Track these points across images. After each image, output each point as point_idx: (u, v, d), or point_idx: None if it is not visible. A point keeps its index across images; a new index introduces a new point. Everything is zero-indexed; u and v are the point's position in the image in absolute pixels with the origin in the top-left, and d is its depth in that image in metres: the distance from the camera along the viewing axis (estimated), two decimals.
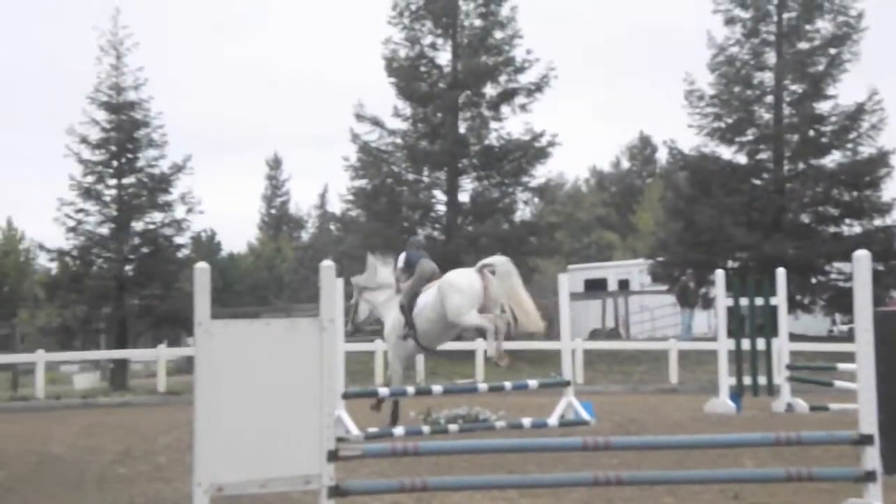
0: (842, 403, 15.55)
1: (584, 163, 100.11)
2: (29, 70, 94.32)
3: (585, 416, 13.65)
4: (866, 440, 7.21)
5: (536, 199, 38.35)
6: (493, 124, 35.99)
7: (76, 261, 32.87)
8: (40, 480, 10.25)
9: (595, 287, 39.64)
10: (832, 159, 34.83)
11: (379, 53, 36.32)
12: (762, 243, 32.09)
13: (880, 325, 7.80)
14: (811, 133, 34.71)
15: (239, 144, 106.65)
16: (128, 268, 32.62)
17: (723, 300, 16.60)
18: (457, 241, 34.30)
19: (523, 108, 35.64)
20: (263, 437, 6.82)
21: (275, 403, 6.88)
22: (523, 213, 37.30)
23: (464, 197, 35.98)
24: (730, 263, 32.53)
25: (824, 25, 35.06)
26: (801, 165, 35.01)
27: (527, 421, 13.14)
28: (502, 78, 35.75)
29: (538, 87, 35.44)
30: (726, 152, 35.64)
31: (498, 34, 35.99)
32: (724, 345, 16.35)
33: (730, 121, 35.19)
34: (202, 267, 6.96)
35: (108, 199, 32.48)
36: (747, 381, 16.24)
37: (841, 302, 32.41)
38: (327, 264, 7.35)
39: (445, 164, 35.41)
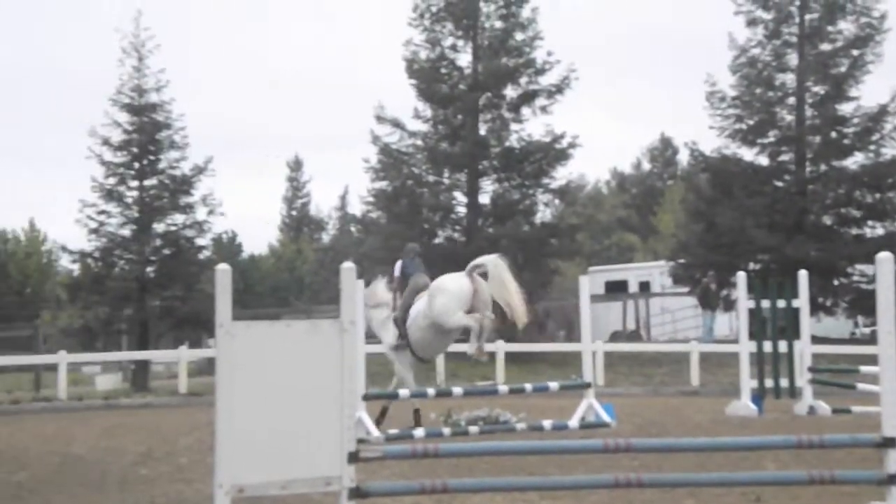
0: (864, 406, 15.46)
1: (605, 164, 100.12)
2: (52, 72, 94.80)
3: (606, 418, 13.63)
4: (889, 443, 7.16)
5: (557, 201, 38.25)
6: (514, 126, 35.97)
7: (98, 262, 32.99)
8: (62, 481, 10.29)
9: (616, 289, 39.55)
10: (854, 161, 34.72)
11: (399, 55, 36.39)
12: (784, 245, 31.97)
13: None
14: (833, 135, 34.58)
15: (260, 146, 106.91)
16: (149, 269, 32.71)
17: (744, 302, 16.54)
18: (477, 243, 34.23)
19: (544, 109, 35.62)
20: (284, 438, 6.82)
21: (295, 405, 6.88)
22: (544, 214, 37.26)
23: (484, 199, 35.97)
24: (751, 265, 32.42)
25: (847, 27, 34.95)
26: (823, 167, 34.88)
27: (547, 423, 13.13)
28: (523, 80, 35.72)
29: (559, 89, 35.40)
30: (748, 154, 35.58)
31: (519, 36, 35.96)
32: (746, 347, 16.30)
33: (751, 122, 35.09)
34: (223, 268, 6.97)
35: (129, 200, 32.59)
36: (769, 383, 16.18)
37: (863, 304, 32.25)
38: (348, 266, 7.35)
39: (466, 165, 35.40)
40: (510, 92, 35.80)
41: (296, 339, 7.03)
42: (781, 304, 16.23)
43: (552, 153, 35.28)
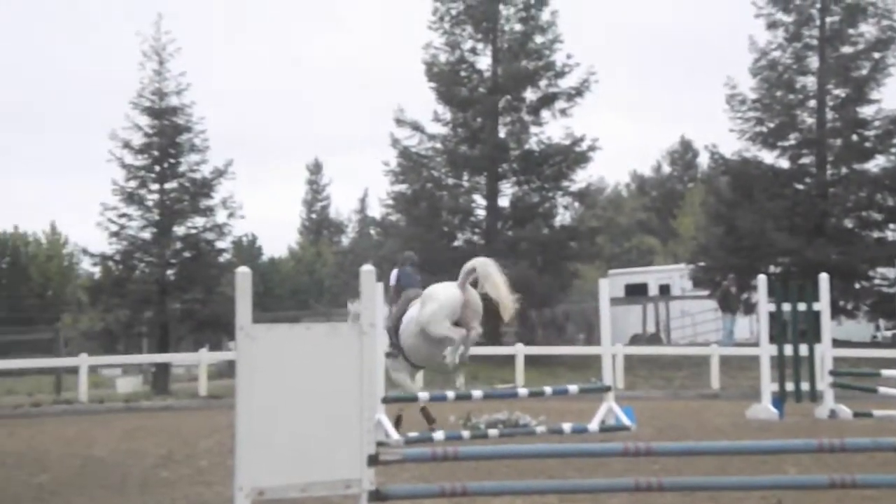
0: (886, 410, 15.40)
1: (625, 167, 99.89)
2: (74, 75, 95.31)
3: (626, 421, 13.59)
4: None
5: (577, 204, 38.24)
6: (534, 129, 35.97)
7: (119, 265, 33.08)
8: (83, 483, 10.32)
9: (636, 292, 39.47)
10: (876, 164, 34.61)
11: (419, 58, 36.43)
12: (805, 248, 31.86)
13: None
14: (854, 137, 34.47)
15: (280, 149, 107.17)
16: (170, 272, 32.77)
17: (765, 305, 16.47)
18: (496, 246, 34.22)
19: (563, 112, 35.61)
20: (304, 441, 6.83)
21: (315, 407, 6.89)
22: (563, 217, 37.29)
23: (504, 202, 35.97)
24: (772, 269, 32.32)
25: (868, 29, 34.83)
26: (844, 170, 34.75)
27: (567, 426, 13.10)
28: (542, 82, 35.71)
29: (578, 92, 35.37)
30: (768, 157, 35.49)
31: (538, 39, 35.96)
32: (767, 350, 16.24)
33: (772, 125, 34.99)
34: (243, 271, 6.99)
35: (150, 203, 32.67)
36: (790, 386, 16.10)
37: (885, 307, 32.13)
38: (367, 269, 7.37)
39: (485, 168, 35.40)
40: (530, 95, 35.81)
41: (315, 341, 7.05)
42: (802, 307, 16.15)
43: (572, 156, 35.26)
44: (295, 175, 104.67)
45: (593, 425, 13.37)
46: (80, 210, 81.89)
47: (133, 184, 32.58)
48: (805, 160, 35.07)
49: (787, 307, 16.22)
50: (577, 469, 9.67)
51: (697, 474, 9.06)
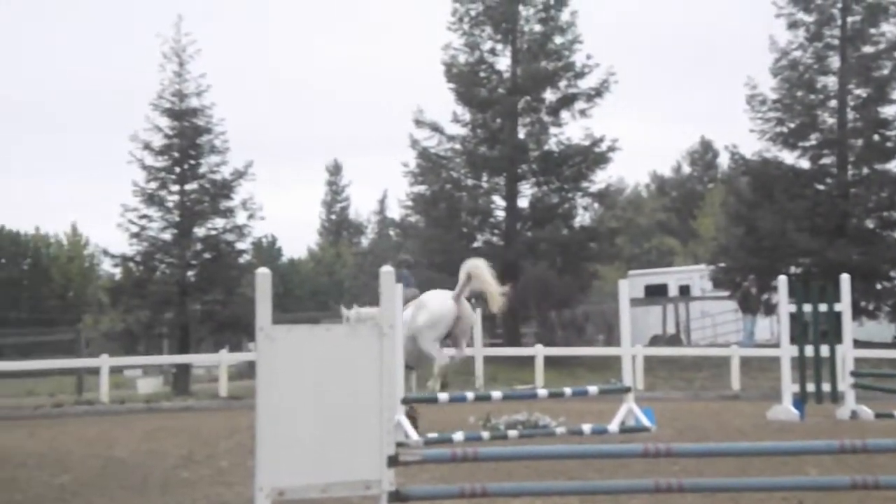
0: None
1: (645, 168, 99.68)
2: (94, 77, 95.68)
3: (646, 422, 13.55)
4: None
5: (596, 205, 38.24)
6: (553, 129, 35.98)
7: (139, 266, 33.16)
8: (105, 484, 10.36)
9: (655, 293, 39.39)
10: None
11: (438, 59, 36.47)
12: (826, 249, 31.74)
13: None
14: (875, 137, 34.33)
15: (300, 151, 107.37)
16: (190, 273, 32.84)
17: (786, 306, 16.40)
18: (516, 247, 34.28)
19: (583, 113, 35.61)
20: (324, 441, 6.85)
21: (335, 408, 6.91)
22: (583, 218, 37.28)
23: (523, 202, 35.97)
24: (793, 269, 32.21)
25: (889, 29, 34.71)
26: (865, 170, 34.62)
27: (587, 427, 13.07)
28: (562, 83, 35.70)
29: (598, 93, 35.36)
30: (789, 157, 35.37)
31: (558, 39, 35.95)
32: (788, 351, 16.19)
33: (792, 125, 34.86)
34: (263, 272, 7.01)
35: (170, 205, 32.73)
36: (811, 387, 16.03)
37: None
38: (387, 270, 7.38)
39: (505, 169, 35.40)
40: (549, 95, 35.82)
41: (335, 342, 7.07)
42: (823, 308, 16.08)
43: (591, 157, 35.24)
44: (314, 176, 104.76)
45: (613, 426, 13.33)
46: (101, 211, 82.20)
47: (154, 185, 32.66)
48: (826, 160, 34.95)
49: (808, 308, 16.14)
50: (596, 470, 9.65)
51: (718, 475, 9.02)
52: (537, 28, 36.14)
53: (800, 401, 15.94)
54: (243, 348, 32.66)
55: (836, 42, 34.77)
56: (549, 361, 26.84)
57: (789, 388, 16.04)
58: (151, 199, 32.57)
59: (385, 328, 7.08)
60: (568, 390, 14.10)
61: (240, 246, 34.03)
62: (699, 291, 38.87)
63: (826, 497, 8.20)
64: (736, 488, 8.12)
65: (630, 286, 15.70)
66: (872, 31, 34.68)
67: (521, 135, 35.75)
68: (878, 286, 33.03)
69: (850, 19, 34.66)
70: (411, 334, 14.18)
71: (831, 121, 34.80)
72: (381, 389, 6.99)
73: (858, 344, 18.60)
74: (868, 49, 34.69)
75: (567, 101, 35.61)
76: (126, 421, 19.67)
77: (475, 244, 35.65)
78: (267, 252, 64.25)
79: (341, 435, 6.87)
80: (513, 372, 27.77)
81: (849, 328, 16.33)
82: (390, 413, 7.07)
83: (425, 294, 14.50)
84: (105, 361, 26.41)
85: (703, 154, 77.23)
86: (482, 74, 36.27)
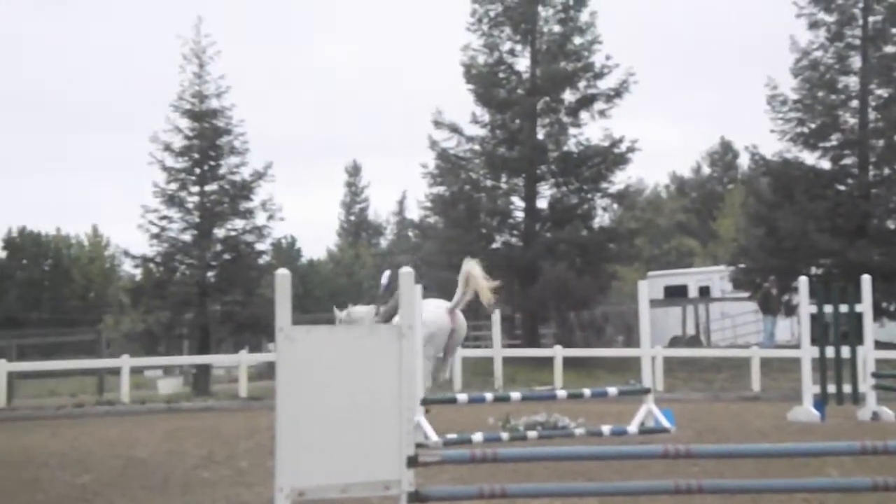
0: None
1: (665, 168, 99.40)
2: (115, 77, 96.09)
3: (666, 423, 13.53)
4: None
5: (615, 206, 38.18)
6: (572, 130, 35.87)
7: (160, 267, 33.27)
8: (126, 484, 10.40)
9: (675, 294, 39.34)
10: None
11: (457, 60, 36.46)
12: (847, 250, 31.61)
13: None
14: None
15: (319, 152, 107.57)
16: (210, 274, 32.93)
17: (806, 307, 16.35)
18: (535, 248, 34.23)
19: (602, 113, 35.51)
20: (344, 442, 6.86)
21: (355, 408, 6.92)
22: (602, 219, 37.18)
23: (542, 203, 35.89)
24: (813, 270, 32.11)
25: None
26: (886, 171, 34.47)
27: (606, 428, 13.05)
28: (581, 84, 35.61)
29: (617, 93, 35.27)
30: (810, 157, 35.20)
31: (577, 40, 35.86)
32: (808, 352, 16.13)
33: (813, 126, 34.70)
34: (283, 273, 7.03)
35: (190, 206, 32.82)
36: (831, 389, 15.98)
37: None
38: (406, 271, 7.39)
39: (524, 170, 35.36)
40: (568, 96, 35.73)
41: (355, 343, 7.09)
42: (844, 309, 16.03)
43: (611, 157, 35.16)
44: (333, 177, 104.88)
45: (633, 427, 13.31)
46: (121, 212, 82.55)
47: (174, 186, 32.75)
48: (847, 161, 34.80)
49: (828, 309, 16.10)
50: (616, 471, 9.64)
51: (738, 477, 9.00)
52: (556, 28, 36.08)
53: (820, 402, 15.89)
54: (263, 349, 32.71)
55: (857, 42, 34.61)
56: (569, 362, 26.81)
57: (810, 389, 15.99)
58: (172, 200, 32.66)
59: (404, 329, 7.10)
60: (587, 391, 14.09)
61: (259, 247, 34.13)
62: (719, 292, 38.79)
63: (847, 498, 8.18)
64: (756, 490, 8.10)
65: (649, 287, 15.68)
66: (894, 30, 34.50)
67: (541, 135, 35.70)
68: None
69: (871, 19, 34.49)
70: None
71: (852, 121, 34.65)
72: (401, 390, 7.00)
73: (879, 345, 18.54)
74: (889, 49, 34.52)
75: (586, 101, 35.53)
76: (147, 421, 19.73)
77: (494, 245, 35.64)
78: (286, 253, 64.35)
79: (361, 435, 6.89)
80: (532, 373, 27.76)
81: (870, 329, 16.28)
82: (409, 414, 7.08)
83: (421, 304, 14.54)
84: (126, 362, 26.49)
85: (723, 155, 77.04)
86: (501, 75, 36.23)
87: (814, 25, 34.87)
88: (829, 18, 34.75)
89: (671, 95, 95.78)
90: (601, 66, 35.44)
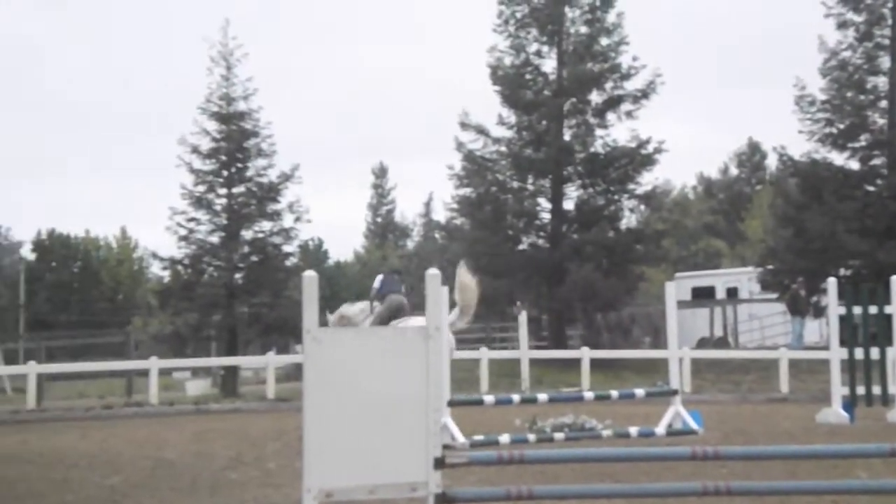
0: None
1: (692, 169, 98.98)
2: (143, 80, 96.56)
3: (693, 425, 13.48)
4: None
5: (642, 207, 38.08)
6: (599, 131, 35.85)
7: (188, 269, 33.39)
8: (155, 485, 10.46)
9: (703, 295, 39.19)
10: None
11: (484, 62, 36.47)
12: (876, 251, 31.39)
13: None
14: None
15: (346, 154, 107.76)
16: (238, 276, 33.02)
17: (835, 309, 16.26)
18: (562, 250, 34.19)
19: (629, 114, 35.46)
20: (371, 443, 6.88)
21: (382, 410, 6.94)
22: (629, 220, 37.13)
23: (569, 205, 35.87)
24: (842, 271, 31.90)
25: None
26: None
27: (634, 430, 13.02)
28: (608, 85, 35.56)
29: (644, 94, 35.19)
30: (838, 158, 34.98)
31: (604, 41, 35.81)
32: (837, 354, 16.05)
33: (842, 126, 34.49)
34: (310, 275, 7.06)
35: (218, 208, 32.91)
36: (860, 390, 15.89)
37: None
38: (433, 272, 7.40)
39: (550, 171, 35.32)
40: (595, 97, 35.69)
41: (382, 345, 7.10)
42: (873, 310, 15.93)
43: (637, 158, 35.07)
44: (360, 179, 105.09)
45: (660, 429, 13.27)
46: (150, 214, 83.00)
47: (201, 188, 32.85)
48: (876, 161, 34.57)
49: (857, 310, 16.00)
50: (643, 473, 9.63)
51: (766, 479, 8.97)
52: (583, 30, 36.03)
53: (849, 404, 15.80)
54: (290, 350, 32.88)
55: (886, 42, 34.36)
56: (596, 364, 26.76)
57: (839, 390, 15.90)
58: (199, 202, 32.76)
59: (431, 330, 7.11)
60: (614, 393, 14.06)
61: (286, 249, 34.22)
62: (747, 294, 38.62)
63: (876, 500, 8.13)
64: (784, 491, 8.06)
65: (677, 288, 15.63)
66: None
67: (567, 137, 35.66)
68: None
69: None
70: None
71: (881, 121, 34.40)
72: (427, 391, 7.01)
73: None
74: None
75: (613, 102, 35.47)
76: (175, 422, 19.83)
77: (520, 246, 35.65)
78: (313, 255, 64.57)
79: (388, 437, 6.91)
80: (559, 374, 27.72)
81: None
82: (436, 415, 7.09)
83: (410, 320, 14.52)
84: (154, 363, 26.62)
85: (751, 156, 76.67)
86: (528, 76, 36.21)
87: (842, 25, 34.66)
88: (858, 18, 34.53)
89: (699, 96, 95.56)
90: (628, 66, 35.41)
